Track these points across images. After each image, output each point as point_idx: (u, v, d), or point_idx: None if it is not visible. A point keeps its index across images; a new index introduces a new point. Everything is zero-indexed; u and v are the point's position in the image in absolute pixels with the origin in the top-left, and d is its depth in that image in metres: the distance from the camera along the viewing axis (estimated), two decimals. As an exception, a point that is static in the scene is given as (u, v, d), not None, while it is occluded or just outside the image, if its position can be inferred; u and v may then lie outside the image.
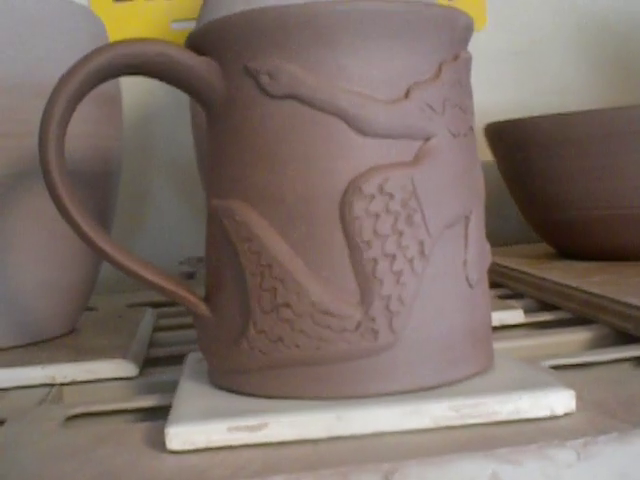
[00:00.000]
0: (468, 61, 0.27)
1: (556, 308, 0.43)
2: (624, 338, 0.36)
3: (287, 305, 0.24)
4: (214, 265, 0.27)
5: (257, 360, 0.25)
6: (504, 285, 0.51)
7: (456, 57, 0.26)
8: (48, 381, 0.33)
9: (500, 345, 0.35)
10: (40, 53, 0.36)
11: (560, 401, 0.24)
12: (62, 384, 0.33)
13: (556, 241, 0.52)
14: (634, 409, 0.24)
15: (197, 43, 0.26)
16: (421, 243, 0.24)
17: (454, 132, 0.26)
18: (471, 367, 0.26)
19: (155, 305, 0.52)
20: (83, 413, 0.29)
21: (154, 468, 0.22)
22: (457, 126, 0.26)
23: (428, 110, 0.25)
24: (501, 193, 0.57)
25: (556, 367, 0.31)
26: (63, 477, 0.22)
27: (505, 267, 0.50)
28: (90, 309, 0.48)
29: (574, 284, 0.41)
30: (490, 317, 0.28)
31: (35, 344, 0.37)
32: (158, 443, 0.24)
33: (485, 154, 0.56)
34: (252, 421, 0.23)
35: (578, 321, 0.40)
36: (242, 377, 0.26)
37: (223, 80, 0.26)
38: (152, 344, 0.42)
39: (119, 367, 0.33)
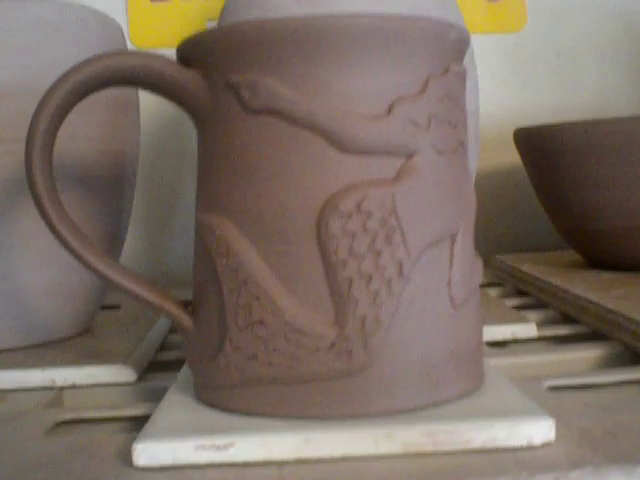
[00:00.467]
0: (460, 75, 0.26)
1: (577, 321, 0.42)
2: (638, 358, 0.35)
3: (261, 322, 0.24)
4: (198, 279, 0.27)
5: (233, 377, 0.25)
6: (530, 294, 0.49)
7: (446, 71, 0.26)
8: (48, 384, 0.33)
9: (507, 361, 0.35)
10: (53, 58, 0.36)
11: (538, 431, 0.23)
12: (62, 387, 0.33)
13: (584, 250, 0.50)
14: (617, 441, 0.23)
15: (184, 56, 0.26)
16: (400, 263, 0.24)
17: (440, 148, 0.25)
18: (452, 390, 0.25)
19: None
20: (74, 419, 0.29)
21: (117, 484, 0.22)
22: (444, 142, 0.25)
23: (411, 126, 0.24)
24: (532, 198, 0.55)
25: (558, 387, 0.30)
26: (28, 490, 0.22)
27: (530, 276, 0.49)
28: (112, 307, 0.49)
29: (592, 298, 0.39)
30: (479, 338, 0.27)
31: (42, 346, 0.38)
32: (129, 458, 0.24)
33: (517, 158, 0.54)
34: (219, 440, 0.23)
35: (594, 337, 0.39)
36: (219, 392, 0.26)
37: (208, 93, 0.26)
38: (165, 346, 0.42)
39: (118, 372, 0.33)
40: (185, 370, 0.31)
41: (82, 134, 0.37)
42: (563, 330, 0.40)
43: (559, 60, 0.67)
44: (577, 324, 0.41)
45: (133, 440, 0.25)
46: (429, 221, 0.25)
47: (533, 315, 0.45)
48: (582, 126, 0.46)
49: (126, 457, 0.24)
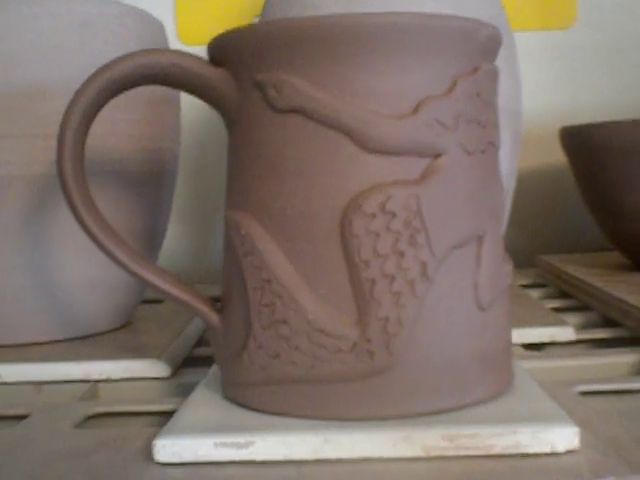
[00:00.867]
0: (491, 73, 0.26)
1: (619, 324, 0.41)
2: (678, 364, 0.34)
3: (284, 322, 0.24)
4: (225, 277, 0.27)
5: (256, 375, 0.25)
6: (573, 296, 0.49)
7: (476, 70, 0.25)
8: (83, 377, 0.34)
9: (542, 364, 0.34)
10: (95, 56, 0.36)
11: (562, 438, 0.23)
12: (97, 381, 0.34)
13: (630, 252, 0.49)
14: (644, 451, 0.23)
15: (214, 54, 0.26)
16: (424, 264, 0.24)
17: (468, 149, 0.25)
18: (477, 394, 0.25)
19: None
20: (104, 413, 0.30)
21: (137, 478, 0.22)
22: (472, 142, 0.25)
23: (438, 126, 0.24)
24: (580, 198, 0.54)
25: (590, 392, 0.30)
26: (50, 481, 0.23)
27: (573, 277, 0.48)
28: (155, 302, 0.49)
29: (633, 301, 0.39)
30: (508, 340, 0.27)
31: (81, 339, 0.38)
32: (152, 453, 0.24)
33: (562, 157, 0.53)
34: (240, 438, 0.23)
35: (635, 341, 0.38)
36: (243, 390, 0.26)
37: (236, 92, 0.26)
38: (202, 342, 0.42)
39: (152, 367, 0.34)
40: (215, 367, 0.31)
41: (121, 130, 0.37)
42: (603, 333, 0.39)
43: (610, 57, 0.65)
44: (619, 327, 0.40)
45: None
46: (455, 222, 0.24)
47: (575, 317, 0.44)
48: (628, 125, 0.45)
49: (149, 452, 0.24)
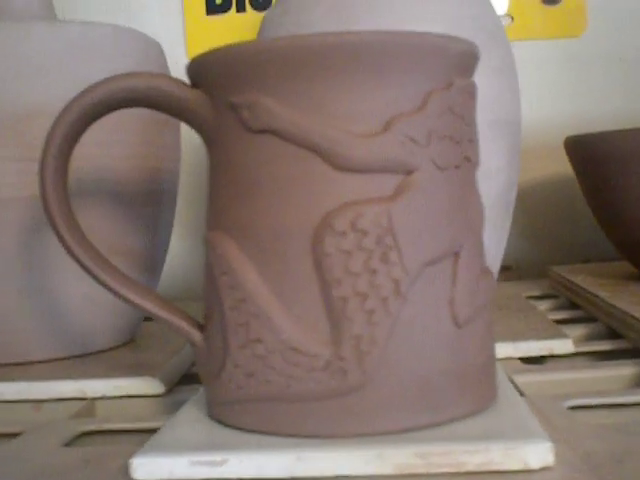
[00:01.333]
0: (466, 88, 0.26)
1: (623, 337, 0.40)
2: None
3: (259, 341, 0.24)
4: (206, 296, 0.27)
5: (234, 393, 0.25)
6: (582, 307, 0.48)
7: (449, 85, 0.25)
8: (79, 395, 0.34)
9: (537, 378, 0.34)
10: (87, 78, 0.37)
11: (535, 454, 0.22)
12: (94, 399, 0.34)
13: (637, 262, 0.49)
14: (622, 467, 0.23)
15: (192, 76, 0.27)
16: (396, 282, 0.24)
17: (441, 165, 0.25)
18: (454, 411, 0.25)
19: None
20: (95, 431, 0.30)
21: (112, 498, 0.23)
22: (445, 158, 0.25)
23: (409, 143, 0.24)
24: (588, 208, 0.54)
25: (580, 407, 0.29)
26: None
27: (581, 288, 0.48)
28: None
29: (636, 313, 0.38)
30: (488, 357, 0.27)
31: (81, 357, 0.39)
32: (131, 471, 0.24)
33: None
34: (214, 456, 0.23)
35: (636, 353, 0.37)
36: (223, 408, 0.26)
37: (212, 113, 0.26)
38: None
39: (146, 385, 0.34)
40: (206, 384, 0.31)
41: (118, 152, 0.38)
42: (604, 346, 0.39)
43: (622, 65, 0.65)
44: (622, 339, 0.40)
45: (140, 454, 0.26)
46: (429, 238, 0.24)
47: (581, 329, 0.44)
48: (632, 133, 0.44)
49: (128, 470, 0.24)
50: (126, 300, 0.27)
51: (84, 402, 0.34)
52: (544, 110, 0.64)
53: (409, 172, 0.24)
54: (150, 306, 0.27)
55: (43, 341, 0.38)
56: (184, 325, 0.28)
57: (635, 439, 0.25)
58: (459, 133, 0.25)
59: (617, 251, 0.50)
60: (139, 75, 0.26)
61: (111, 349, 0.41)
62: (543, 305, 0.51)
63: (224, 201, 0.26)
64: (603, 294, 0.44)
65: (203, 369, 0.27)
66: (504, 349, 0.37)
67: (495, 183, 0.40)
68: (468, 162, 0.26)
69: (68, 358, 0.39)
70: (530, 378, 0.34)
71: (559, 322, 0.45)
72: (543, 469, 0.23)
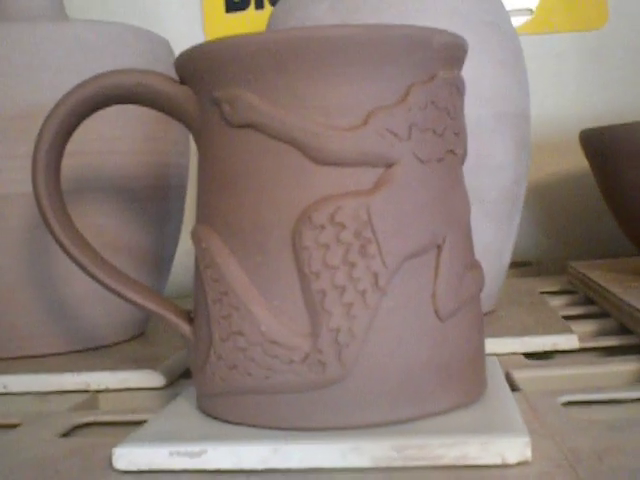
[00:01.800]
0: (451, 81, 0.26)
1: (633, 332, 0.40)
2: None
3: (240, 333, 0.25)
4: (194, 289, 0.27)
5: (217, 385, 0.25)
6: (597, 303, 0.47)
7: (432, 78, 0.25)
8: (82, 387, 0.35)
9: (537, 373, 0.33)
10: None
11: (512, 449, 0.22)
12: (97, 391, 0.35)
13: (652, 257, 0.48)
14: (601, 463, 0.22)
15: (179, 72, 0.27)
16: (375, 275, 0.24)
17: (422, 158, 0.25)
18: (435, 405, 0.25)
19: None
20: (94, 422, 0.31)
21: (92, 487, 0.23)
22: (426, 151, 0.25)
23: (389, 136, 0.24)
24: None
25: (574, 402, 0.29)
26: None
27: (595, 283, 0.47)
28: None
29: (643, 308, 0.37)
30: (475, 351, 0.26)
31: (88, 350, 0.40)
32: (115, 461, 0.24)
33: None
34: (193, 447, 0.24)
35: (643, 349, 0.37)
36: (208, 400, 0.26)
37: (198, 108, 0.26)
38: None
39: (147, 377, 0.35)
40: (203, 377, 0.31)
41: (123, 147, 0.38)
42: (611, 341, 0.38)
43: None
44: (632, 335, 0.39)
45: (126, 444, 0.26)
46: (409, 231, 0.24)
47: (593, 325, 0.43)
48: (643, 126, 0.44)
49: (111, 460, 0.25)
50: (115, 292, 0.28)
51: (87, 394, 0.35)
52: (565, 103, 0.63)
53: (389, 165, 0.24)
54: (140, 299, 0.28)
55: (51, 335, 0.39)
56: (174, 318, 0.28)
57: (619, 435, 0.24)
58: (442, 126, 0.25)
59: (633, 245, 0.50)
60: (128, 72, 0.27)
61: (121, 343, 0.41)
62: (560, 301, 0.51)
63: (209, 195, 0.26)
64: (615, 289, 0.43)
65: (192, 361, 0.28)
66: (509, 344, 0.37)
67: (501, 177, 0.39)
68: (453, 155, 0.26)
69: (77, 352, 0.39)
70: (529, 374, 0.33)
71: (573, 318, 0.45)
72: (520, 464, 0.22)
